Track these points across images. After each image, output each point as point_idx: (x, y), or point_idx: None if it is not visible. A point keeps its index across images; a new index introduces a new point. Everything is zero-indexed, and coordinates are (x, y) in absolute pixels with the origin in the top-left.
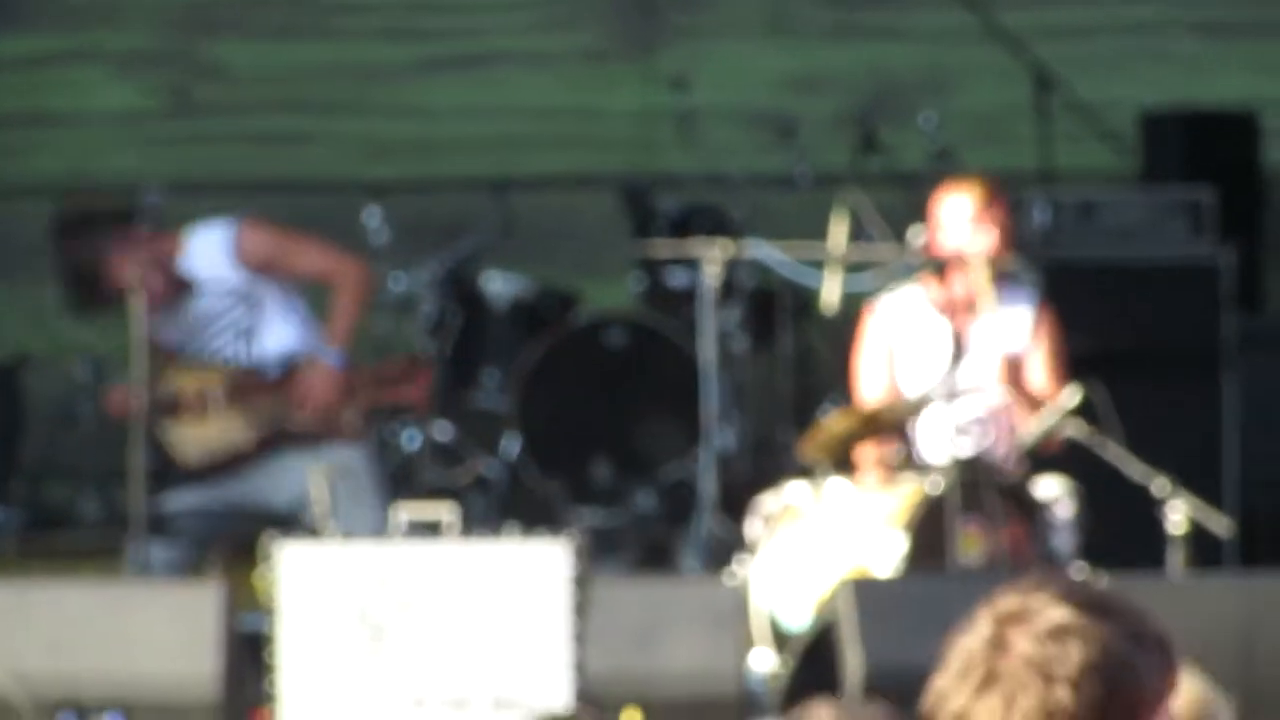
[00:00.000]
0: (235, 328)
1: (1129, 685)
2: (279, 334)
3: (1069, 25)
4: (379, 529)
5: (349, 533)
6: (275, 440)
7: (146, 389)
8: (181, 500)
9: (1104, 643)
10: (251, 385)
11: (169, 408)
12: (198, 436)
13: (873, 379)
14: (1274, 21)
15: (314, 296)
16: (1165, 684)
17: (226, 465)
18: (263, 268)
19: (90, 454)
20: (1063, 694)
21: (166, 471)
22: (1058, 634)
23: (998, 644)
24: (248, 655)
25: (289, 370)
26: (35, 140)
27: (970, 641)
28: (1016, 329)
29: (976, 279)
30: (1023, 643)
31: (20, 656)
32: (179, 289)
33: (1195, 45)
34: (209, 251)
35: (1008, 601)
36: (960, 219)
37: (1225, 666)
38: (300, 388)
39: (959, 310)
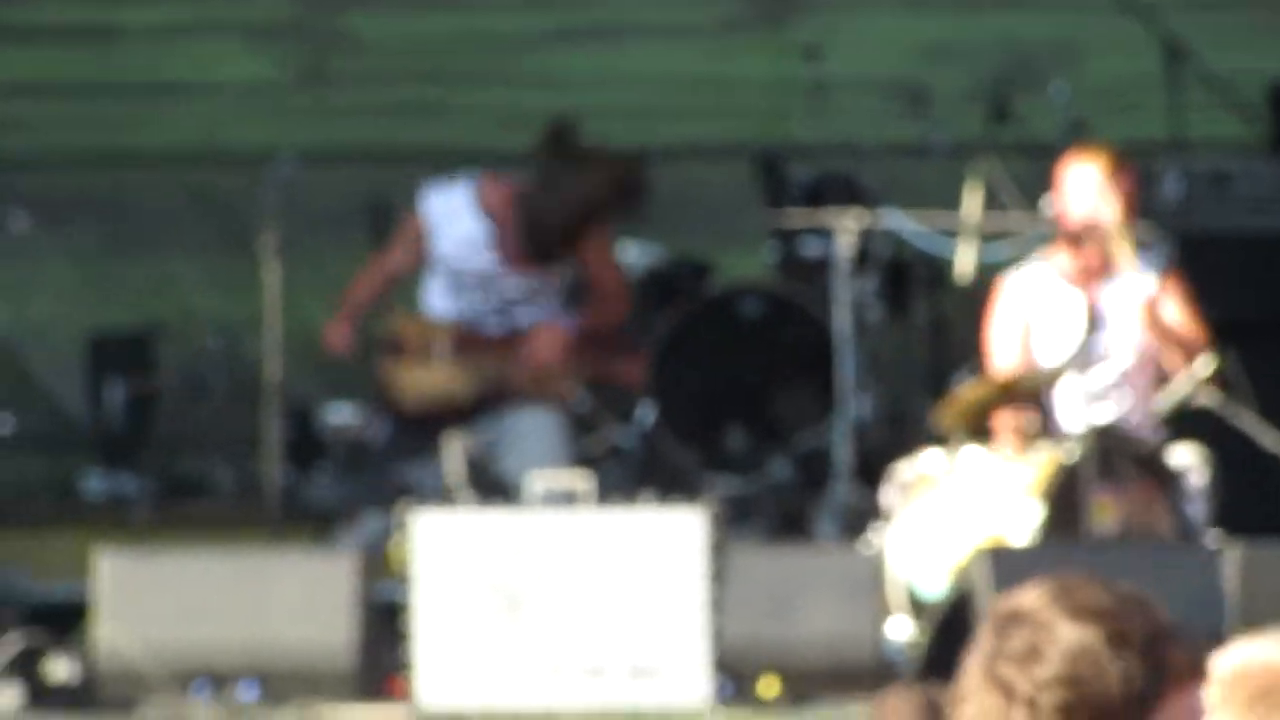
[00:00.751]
0: (527, 305)
1: (1097, 692)
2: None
3: None
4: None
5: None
6: (493, 398)
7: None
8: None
9: (1075, 651)
10: (478, 341)
11: (391, 348)
12: (418, 382)
13: (1006, 349)
14: None
15: None
16: (1154, 685)
17: (440, 415)
18: (588, 265)
19: (223, 423)
20: (1018, 715)
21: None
22: (1029, 653)
23: (984, 655)
24: (383, 624)
25: (523, 334)
26: (165, 111)
27: (974, 648)
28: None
29: (1109, 246)
30: (1001, 661)
31: (155, 626)
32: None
33: None
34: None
35: (1005, 605)
36: (1087, 187)
37: None
38: (529, 346)
39: (1091, 279)
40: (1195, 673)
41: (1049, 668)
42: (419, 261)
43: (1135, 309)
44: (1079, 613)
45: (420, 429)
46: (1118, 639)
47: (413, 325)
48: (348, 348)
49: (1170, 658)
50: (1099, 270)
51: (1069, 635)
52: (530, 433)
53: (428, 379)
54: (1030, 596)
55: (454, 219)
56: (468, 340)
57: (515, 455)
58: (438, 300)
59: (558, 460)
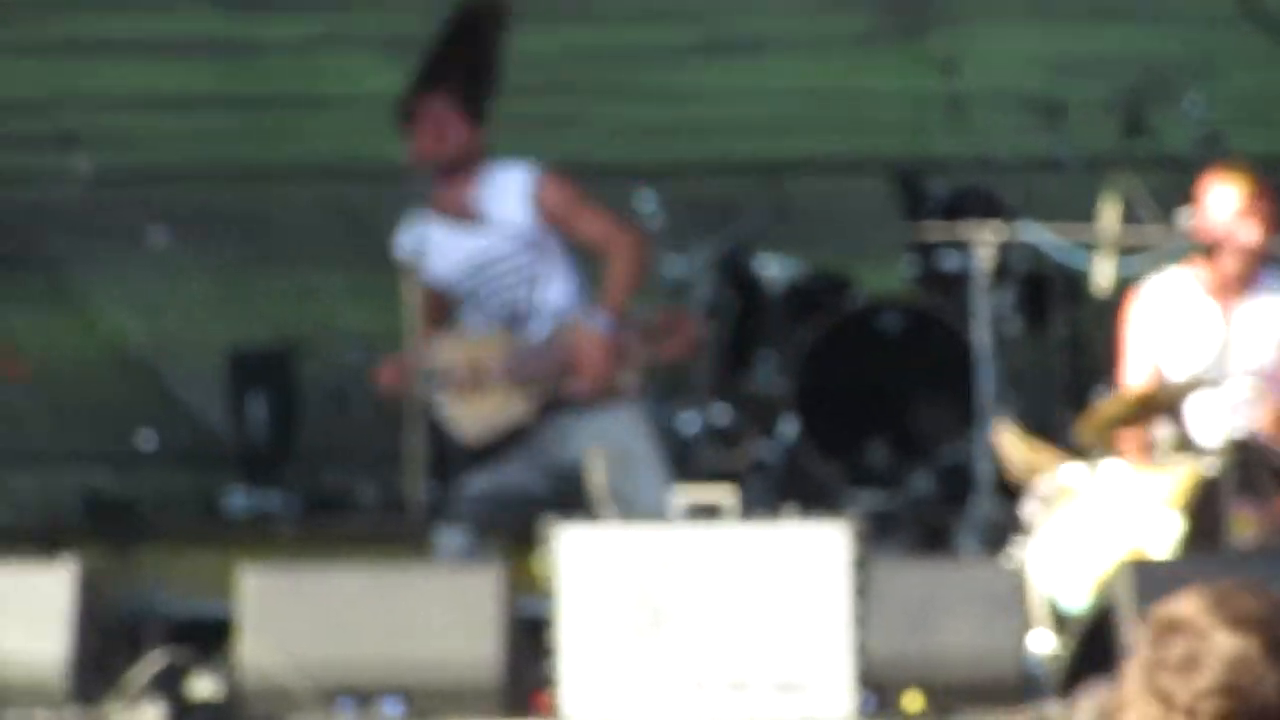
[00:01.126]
0: (520, 273)
1: (1255, 701)
2: (559, 288)
3: None
4: (660, 493)
5: (631, 504)
6: (554, 407)
7: (419, 363)
8: (473, 485)
9: (1233, 660)
10: (525, 354)
11: (443, 382)
12: (477, 412)
13: (1138, 362)
14: None
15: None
16: None
17: (509, 439)
18: (553, 219)
19: (366, 437)
20: None
21: (446, 454)
22: (1188, 662)
23: (1143, 665)
24: (528, 639)
25: (557, 331)
26: (305, 125)
27: (1132, 657)
28: None
29: (1248, 263)
30: (1160, 670)
31: (299, 643)
32: (470, 218)
33: None
34: (508, 189)
35: (1162, 614)
36: (1229, 207)
37: None
38: (574, 354)
39: (1229, 292)
40: None
41: (1207, 677)
42: (435, 303)
43: (1273, 325)
44: (1237, 622)
45: (490, 457)
46: (1275, 647)
47: (460, 351)
48: (397, 388)
49: None
50: (1237, 284)
51: (1227, 644)
52: (608, 436)
53: (484, 407)
54: (1187, 605)
55: (431, 237)
56: (515, 355)
57: (638, 485)
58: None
59: (649, 458)
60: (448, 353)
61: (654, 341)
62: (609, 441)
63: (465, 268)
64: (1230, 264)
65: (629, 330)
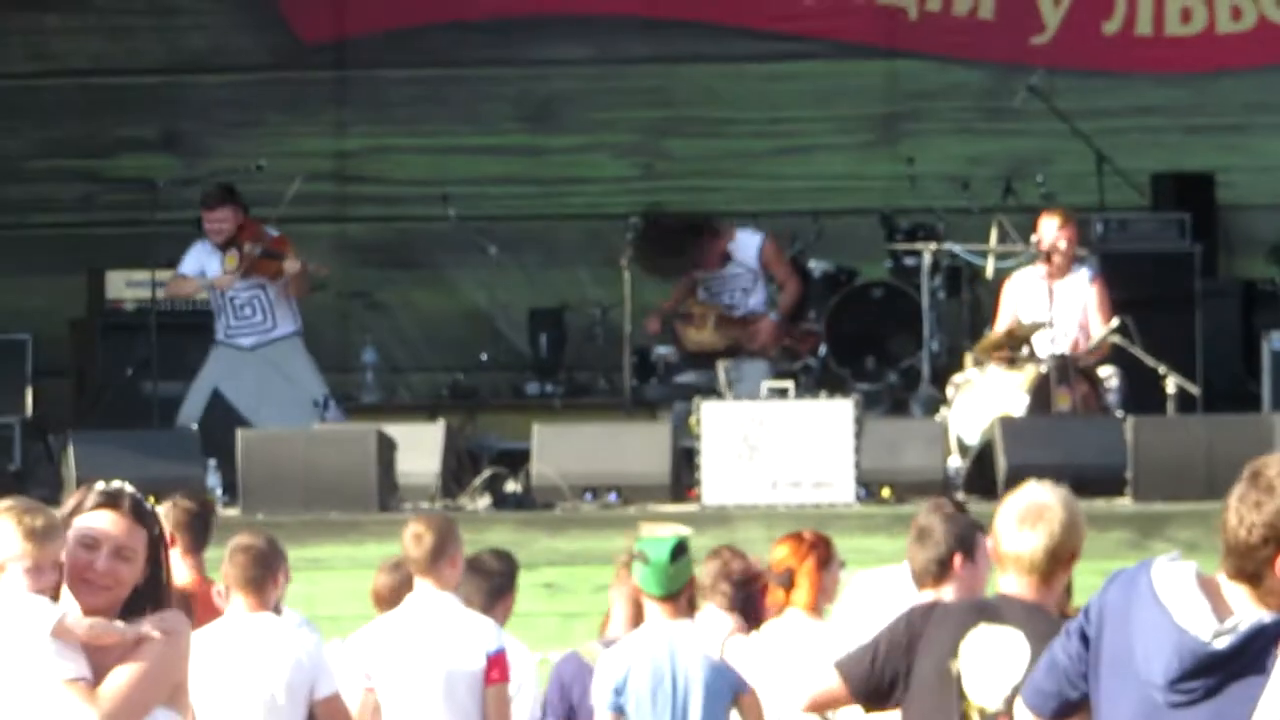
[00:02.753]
0: (742, 288)
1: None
2: (757, 299)
3: None
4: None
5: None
6: (735, 350)
7: (659, 318)
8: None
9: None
10: (729, 320)
11: (685, 319)
12: (696, 338)
13: (1007, 315)
14: None
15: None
16: None
17: (709, 356)
18: (765, 265)
19: (596, 357)
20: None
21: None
22: (1255, 502)
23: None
24: (686, 461)
25: (752, 318)
26: (573, 192)
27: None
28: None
29: (1064, 260)
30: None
31: (564, 463)
32: (724, 260)
33: None
34: (748, 245)
35: (1257, 463)
36: (1053, 233)
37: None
38: (756, 329)
39: (1054, 277)
40: None
41: (1266, 512)
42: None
43: (1079, 295)
44: None
45: (696, 360)
46: None
47: (698, 308)
48: (657, 329)
49: None
50: (1059, 273)
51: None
52: (752, 373)
53: (701, 337)
54: (1273, 464)
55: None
56: (724, 319)
57: (745, 382)
58: (703, 294)
59: (762, 385)
60: (691, 305)
61: (788, 333)
62: (750, 375)
63: (717, 286)
64: (1055, 262)
65: (784, 322)
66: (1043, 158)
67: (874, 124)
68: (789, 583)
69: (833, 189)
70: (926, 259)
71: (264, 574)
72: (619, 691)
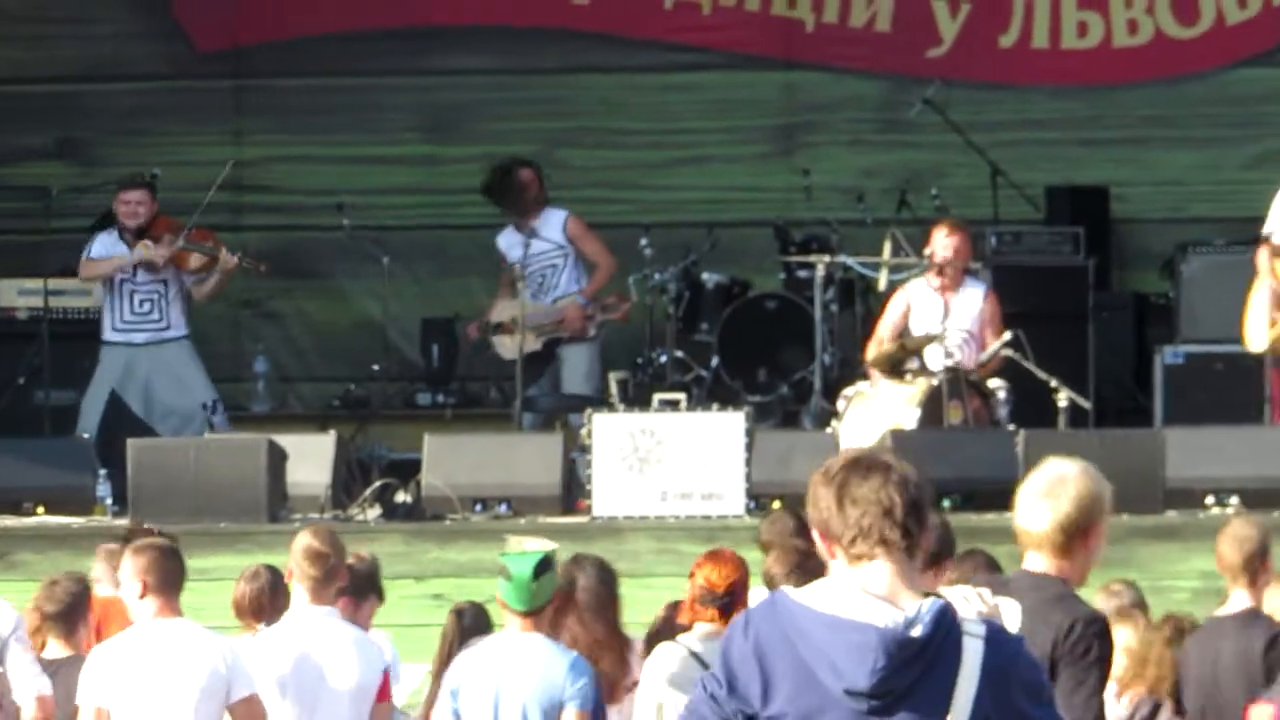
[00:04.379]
0: (551, 264)
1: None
2: (568, 277)
3: None
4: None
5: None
6: (554, 344)
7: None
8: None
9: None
10: (539, 321)
11: (500, 330)
12: (514, 346)
13: (898, 327)
14: None
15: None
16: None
17: (534, 358)
18: (572, 239)
19: (490, 366)
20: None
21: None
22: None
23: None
24: (575, 472)
25: (556, 308)
26: (470, 202)
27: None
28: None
29: (957, 273)
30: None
31: (455, 474)
32: (532, 232)
33: None
34: (553, 221)
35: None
36: (945, 245)
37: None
38: (564, 317)
39: (946, 290)
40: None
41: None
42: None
43: (971, 308)
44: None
45: (529, 365)
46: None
47: (509, 316)
48: (475, 335)
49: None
50: (951, 285)
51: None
52: (575, 359)
53: (516, 344)
54: (885, 454)
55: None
56: (533, 320)
57: (571, 367)
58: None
59: (595, 369)
60: (503, 312)
61: (606, 310)
62: (578, 362)
63: (526, 258)
64: (947, 274)
65: (595, 304)
66: (938, 170)
67: (770, 135)
68: (732, 603)
69: (728, 200)
70: (820, 271)
71: (177, 576)
72: (455, 695)
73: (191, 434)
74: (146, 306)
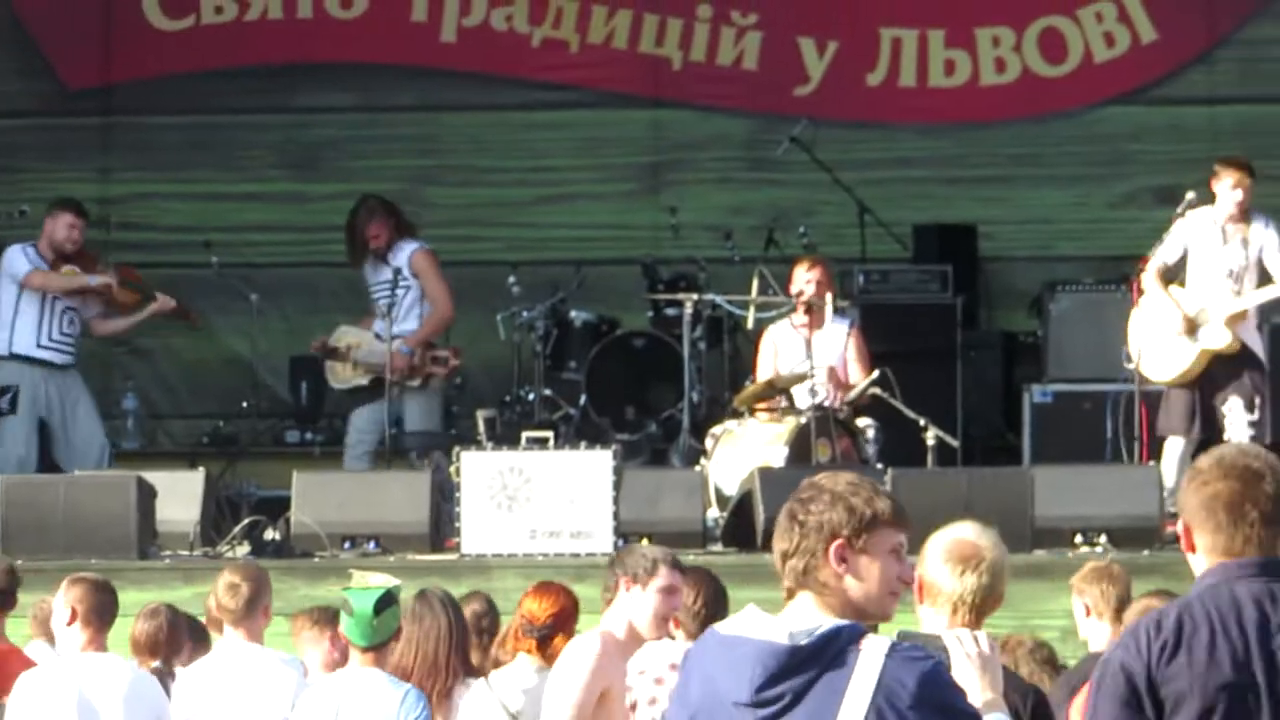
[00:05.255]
0: (396, 291)
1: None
2: (412, 314)
3: None
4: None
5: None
6: (379, 383)
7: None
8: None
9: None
10: (372, 351)
11: (333, 354)
12: (342, 374)
13: (767, 365)
14: None
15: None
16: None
17: (356, 391)
18: (416, 274)
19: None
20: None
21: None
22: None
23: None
24: (444, 503)
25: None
26: (334, 239)
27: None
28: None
29: (820, 311)
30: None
31: (324, 511)
32: (379, 264)
33: None
34: (402, 251)
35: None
36: (809, 283)
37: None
38: (392, 361)
39: (813, 327)
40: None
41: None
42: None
43: (835, 344)
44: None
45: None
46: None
47: (345, 339)
48: (319, 349)
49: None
50: (816, 323)
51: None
52: (413, 404)
53: (345, 374)
54: (822, 478)
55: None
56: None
57: (410, 407)
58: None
59: (428, 414)
60: (342, 339)
61: (436, 364)
62: (414, 408)
63: (371, 281)
64: (813, 312)
65: (425, 353)
66: (805, 208)
67: (637, 173)
68: (552, 634)
69: (596, 238)
70: (688, 309)
71: (108, 611)
72: None
73: (99, 466)
74: (72, 330)
